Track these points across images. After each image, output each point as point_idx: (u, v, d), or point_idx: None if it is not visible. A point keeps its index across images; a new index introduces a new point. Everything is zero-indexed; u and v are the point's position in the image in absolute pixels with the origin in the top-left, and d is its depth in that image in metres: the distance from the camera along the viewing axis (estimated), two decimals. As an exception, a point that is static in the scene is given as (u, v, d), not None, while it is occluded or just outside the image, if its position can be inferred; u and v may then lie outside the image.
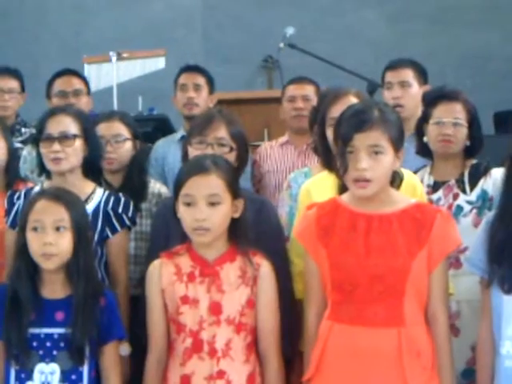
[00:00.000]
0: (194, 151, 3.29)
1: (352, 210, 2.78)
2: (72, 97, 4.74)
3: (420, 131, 3.67)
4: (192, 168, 2.94)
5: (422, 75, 4.48)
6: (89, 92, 4.93)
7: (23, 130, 4.93)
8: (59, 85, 4.80)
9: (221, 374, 2.83)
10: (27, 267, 2.88)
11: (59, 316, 2.87)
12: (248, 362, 2.88)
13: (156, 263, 2.96)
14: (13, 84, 5.02)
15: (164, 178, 4.41)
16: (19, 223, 2.98)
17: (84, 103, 4.72)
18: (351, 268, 2.71)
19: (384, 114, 2.76)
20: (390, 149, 2.71)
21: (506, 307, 2.68)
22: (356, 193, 2.74)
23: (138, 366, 3.03)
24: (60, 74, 4.88)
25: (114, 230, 3.32)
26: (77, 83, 4.84)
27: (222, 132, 3.31)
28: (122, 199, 3.37)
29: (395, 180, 2.84)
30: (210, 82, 4.94)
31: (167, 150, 4.69)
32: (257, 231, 3.01)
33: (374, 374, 2.68)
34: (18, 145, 4.44)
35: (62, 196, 2.93)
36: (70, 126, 3.33)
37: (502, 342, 2.68)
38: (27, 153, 4.31)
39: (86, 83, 4.95)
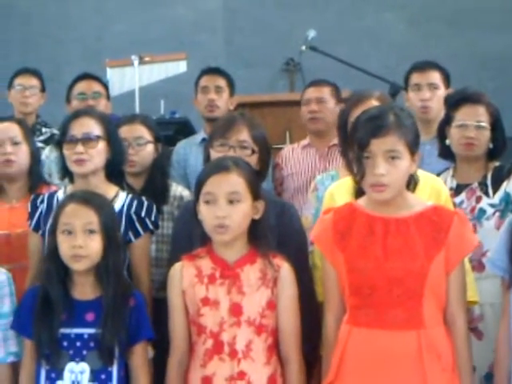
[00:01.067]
0: (215, 154, 3.30)
1: (369, 213, 2.80)
2: (91, 100, 4.77)
3: (442, 134, 3.67)
4: (213, 167, 2.97)
5: (447, 78, 4.49)
6: (108, 96, 4.97)
7: (44, 129, 5.00)
8: (79, 88, 4.85)
9: (242, 375, 2.84)
10: (58, 269, 2.92)
11: (89, 317, 2.91)
12: (269, 364, 2.90)
13: (177, 266, 2.98)
14: (33, 82, 5.10)
15: (186, 180, 4.43)
16: (50, 226, 3.00)
17: (103, 106, 4.75)
18: (369, 272, 2.73)
19: (400, 118, 2.77)
20: (406, 153, 2.73)
21: None
22: (373, 197, 2.76)
23: (161, 368, 3.03)
24: (80, 78, 4.93)
25: (137, 234, 3.32)
26: (96, 87, 4.89)
27: (244, 135, 3.31)
28: (145, 203, 3.36)
29: (410, 183, 2.86)
30: (231, 85, 4.96)
31: (188, 152, 4.72)
32: (279, 234, 3.03)
33: (395, 377, 2.70)
34: (40, 144, 4.48)
35: (91, 199, 2.97)
36: (94, 127, 3.33)
37: (524, 344, 2.70)
38: (45, 156, 4.34)
39: (106, 87, 4.99)
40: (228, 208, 2.85)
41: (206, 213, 2.89)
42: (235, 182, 2.88)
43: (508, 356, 2.76)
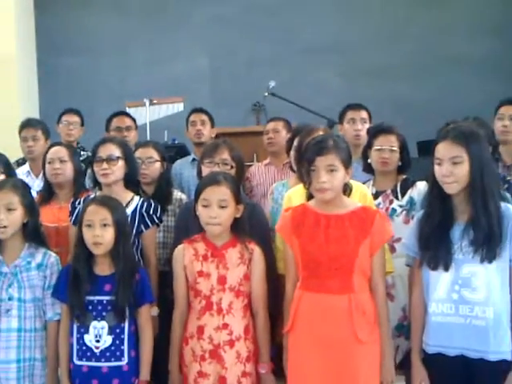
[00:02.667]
0: (205, 169, 3.32)
1: (316, 211, 2.80)
2: (125, 131, 4.69)
3: (365, 155, 3.67)
4: (208, 180, 2.97)
5: (369, 115, 4.50)
6: (136, 127, 4.90)
7: (82, 152, 4.90)
8: (115, 122, 4.76)
9: (225, 325, 2.86)
10: (84, 253, 2.89)
11: (107, 287, 2.88)
12: (245, 318, 2.91)
13: (180, 247, 2.98)
14: (75, 119, 5.03)
15: (181, 187, 4.37)
16: (78, 221, 2.97)
17: (133, 136, 4.69)
18: (315, 252, 2.74)
19: (337, 142, 2.78)
20: (341, 167, 2.74)
21: (431, 279, 2.69)
22: (319, 198, 2.77)
23: (165, 322, 3.03)
24: (116, 114, 4.86)
25: (146, 226, 3.28)
26: (128, 121, 4.80)
27: (225, 155, 3.34)
28: (153, 204, 3.32)
29: (346, 190, 2.86)
30: (212, 120, 4.92)
31: (183, 168, 4.66)
32: (250, 225, 3.02)
33: (333, 327, 2.70)
34: (79, 163, 4.42)
35: (106, 201, 2.95)
36: (115, 150, 3.30)
37: (430, 303, 2.69)
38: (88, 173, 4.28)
39: (134, 121, 4.91)
40: (219, 211, 2.87)
41: (202, 213, 2.89)
42: (224, 192, 2.89)
43: (421, 315, 2.75)
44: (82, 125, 5.07)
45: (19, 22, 6.60)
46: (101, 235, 2.84)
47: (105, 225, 2.86)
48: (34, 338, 2.93)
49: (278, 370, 2.94)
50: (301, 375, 2.75)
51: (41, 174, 4.27)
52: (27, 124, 4.52)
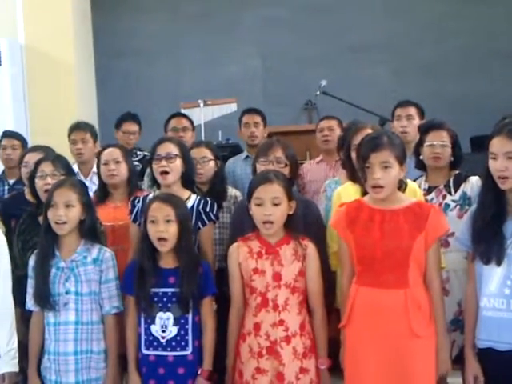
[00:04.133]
0: (260, 167, 3.33)
1: (371, 206, 2.77)
2: (181, 132, 4.71)
3: (417, 152, 3.63)
4: (261, 179, 2.96)
5: (421, 112, 4.43)
6: (193, 128, 4.92)
7: (138, 152, 4.97)
8: (173, 123, 4.78)
9: (281, 322, 2.85)
10: (148, 248, 2.93)
11: (171, 280, 2.91)
12: (300, 314, 2.89)
13: (235, 245, 2.99)
14: (134, 128, 5.09)
15: (234, 185, 4.36)
16: (143, 218, 3.01)
17: (189, 137, 4.70)
18: (370, 247, 2.70)
19: (391, 139, 2.74)
20: (396, 164, 2.70)
21: (484, 274, 2.65)
22: (373, 196, 2.74)
23: (221, 317, 3.03)
24: (174, 116, 4.88)
25: (203, 223, 3.28)
26: (185, 122, 4.81)
27: (279, 153, 3.33)
28: (209, 201, 3.33)
29: (401, 186, 2.82)
30: (264, 120, 4.88)
31: (236, 165, 4.67)
32: (304, 223, 3.01)
33: (389, 322, 2.67)
34: (135, 163, 4.46)
35: (169, 199, 2.99)
36: (173, 149, 3.31)
37: (482, 298, 2.65)
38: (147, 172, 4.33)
39: (192, 122, 4.93)
40: (272, 208, 2.85)
41: (256, 212, 2.89)
42: (277, 190, 2.88)
43: (474, 308, 2.70)
44: (140, 130, 5.13)
45: (77, 27, 6.70)
46: (165, 231, 2.87)
47: (168, 221, 2.89)
48: (91, 330, 2.97)
49: (333, 366, 2.93)
50: (357, 370, 2.72)
51: (90, 176, 4.35)
52: (76, 127, 4.55)
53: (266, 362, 2.84)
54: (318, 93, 6.21)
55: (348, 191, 3.28)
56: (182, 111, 5.72)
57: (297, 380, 2.83)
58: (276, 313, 2.85)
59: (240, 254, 2.93)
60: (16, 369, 2.96)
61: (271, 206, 2.85)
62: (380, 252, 2.68)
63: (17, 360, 2.96)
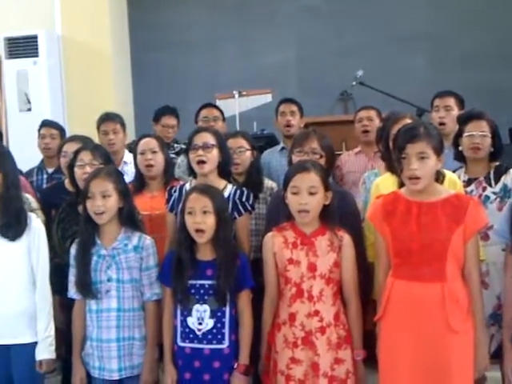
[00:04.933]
0: (295, 158, 3.30)
1: (408, 199, 2.74)
2: (212, 121, 4.75)
3: (456, 143, 3.58)
4: (297, 168, 2.96)
5: (461, 102, 4.37)
6: (223, 119, 4.94)
7: (175, 145, 5.00)
8: (204, 113, 4.84)
9: (316, 312, 2.84)
10: (186, 239, 2.92)
11: (209, 272, 2.90)
12: (335, 305, 2.88)
13: (269, 235, 2.98)
14: (173, 121, 5.12)
15: (270, 176, 4.35)
16: (180, 209, 3.01)
17: (219, 126, 4.70)
18: (407, 240, 2.68)
19: (428, 129, 2.71)
20: (432, 154, 2.67)
21: None
22: (410, 187, 2.70)
23: (257, 309, 3.01)
24: (205, 106, 4.94)
25: (239, 213, 3.28)
26: (215, 112, 4.86)
27: (315, 144, 3.30)
28: (245, 192, 3.33)
29: (439, 177, 2.79)
30: (301, 110, 4.86)
31: (271, 157, 4.66)
32: (341, 214, 2.98)
33: (426, 316, 2.65)
34: (172, 155, 4.48)
35: (207, 190, 2.97)
36: (210, 139, 3.32)
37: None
38: (181, 161, 4.36)
39: (222, 113, 4.96)
40: (308, 197, 2.84)
41: (292, 200, 2.88)
42: (313, 178, 2.86)
43: None
44: (179, 123, 5.16)
45: (113, 20, 6.76)
46: (202, 222, 2.86)
47: (206, 212, 2.88)
48: (133, 317, 2.99)
49: (368, 358, 2.92)
50: (393, 363, 2.70)
51: (120, 166, 4.38)
52: (106, 118, 4.57)
53: (301, 353, 2.83)
54: (355, 83, 6.17)
55: (387, 183, 3.25)
56: (217, 102, 5.75)
57: (332, 370, 2.83)
58: (311, 303, 2.84)
59: (275, 244, 2.93)
60: (53, 356, 3.03)
61: (307, 195, 2.84)
62: (417, 245, 2.66)
63: (54, 347, 3.03)
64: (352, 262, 2.91)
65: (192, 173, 3.43)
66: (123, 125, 4.59)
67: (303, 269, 2.86)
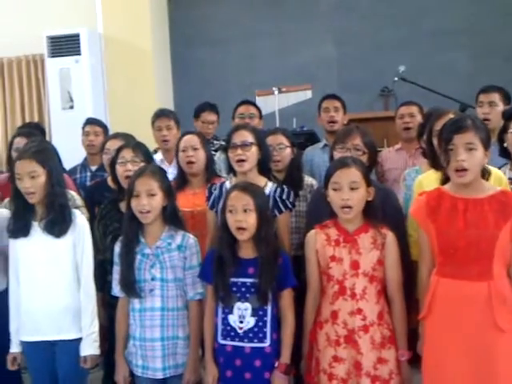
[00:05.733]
0: (337, 154, 3.30)
1: (453, 195, 2.69)
2: (248, 118, 4.76)
3: (501, 139, 3.51)
4: (338, 164, 2.94)
5: (506, 98, 4.28)
6: (260, 116, 4.94)
7: (215, 142, 5.01)
8: (240, 110, 4.86)
9: (359, 310, 2.82)
10: (228, 237, 2.91)
11: (250, 270, 2.88)
12: (378, 303, 2.86)
13: (312, 232, 2.96)
14: (213, 117, 5.13)
15: (312, 173, 4.35)
16: (222, 207, 3.00)
17: (256, 124, 4.70)
18: (452, 237, 2.63)
19: (475, 121, 2.66)
20: (480, 146, 2.62)
21: None
22: (456, 180, 2.65)
23: (298, 307, 2.98)
24: (242, 103, 4.95)
25: (280, 211, 3.26)
26: (252, 109, 4.87)
27: (357, 140, 3.30)
28: (286, 189, 3.31)
29: (485, 174, 2.73)
30: (344, 106, 4.83)
31: (314, 154, 4.63)
32: (383, 211, 2.95)
33: (472, 315, 2.60)
34: (212, 152, 4.50)
35: (248, 187, 2.95)
36: (248, 137, 3.32)
37: None
38: (217, 158, 4.37)
39: (259, 110, 4.96)
40: (350, 193, 2.82)
41: (333, 197, 2.86)
42: (354, 174, 2.84)
43: None
44: (218, 119, 5.17)
45: (153, 17, 6.82)
46: (244, 220, 2.85)
47: (247, 210, 2.86)
48: (177, 316, 2.99)
49: (413, 358, 2.88)
50: (437, 363, 2.66)
51: (174, 162, 4.40)
52: (161, 114, 4.61)
53: (344, 351, 2.82)
54: (396, 79, 6.11)
55: (430, 180, 3.20)
56: (257, 99, 5.76)
57: (375, 370, 2.81)
58: (354, 301, 2.82)
59: (317, 241, 2.91)
60: (97, 351, 3.06)
61: (349, 191, 2.83)
62: (463, 242, 2.61)
63: (98, 343, 3.05)
64: (396, 260, 2.88)
65: (232, 170, 3.43)
66: (177, 121, 4.61)
67: (346, 266, 2.84)
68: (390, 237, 2.87)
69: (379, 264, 2.85)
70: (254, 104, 5.04)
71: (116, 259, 3.06)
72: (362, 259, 2.84)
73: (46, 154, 3.09)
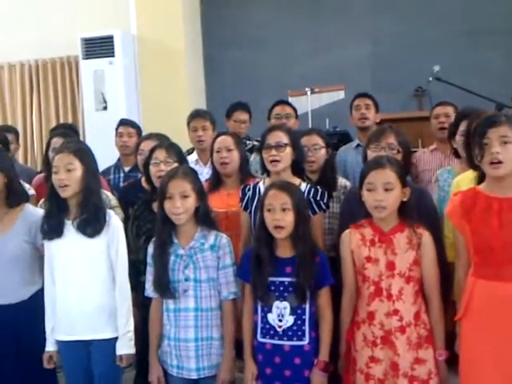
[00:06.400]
0: (371, 153, 3.28)
1: (488, 195, 2.66)
2: (284, 119, 4.75)
3: None
4: (372, 164, 2.93)
5: None
6: (296, 116, 4.94)
7: (248, 142, 5.01)
8: (276, 110, 4.85)
9: (396, 311, 2.81)
10: (265, 236, 2.92)
11: (288, 269, 2.89)
12: (415, 304, 2.84)
13: (347, 232, 2.96)
14: (245, 117, 5.15)
15: (345, 174, 4.34)
16: (259, 206, 3.01)
17: (292, 124, 4.70)
18: (488, 237, 2.61)
19: (509, 117, 2.65)
20: None
21: None
22: (491, 173, 2.62)
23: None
24: (278, 103, 4.94)
25: (313, 212, 3.25)
26: (288, 109, 4.86)
27: (391, 139, 3.28)
28: (319, 190, 3.31)
29: None
30: (376, 104, 4.82)
31: (347, 154, 4.63)
32: (418, 212, 2.92)
33: (508, 316, 2.56)
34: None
35: (286, 186, 2.96)
36: (283, 137, 3.32)
37: None
38: (253, 158, 4.37)
39: (295, 110, 4.95)
40: (384, 194, 2.81)
41: (367, 197, 2.85)
42: (389, 175, 2.83)
43: None
44: (250, 119, 5.18)
45: (186, 18, 6.86)
46: (281, 219, 2.85)
47: (284, 209, 2.86)
48: (211, 317, 2.99)
49: (449, 360, 2.86)
50: (475, 364, 2.64)
51: (209, 163, 4.40)
52: (197, 115, 4.64)
53: (380, 352, 2.81)
54: (431, 78, 6.06)
55: (467, 180, 3.18)
56: (290, 99, 5.75)
57: (412, 370, 2.80)
58: (390, 302, 2.81)
59: (352, 241, 2.91)
60: (133, 351, 3.08)
61: (383, 192, 2.81)
62: (499, 242, 2.59)
63: (133, 342, 3.07)
64: (433, 260, 2.86)
65: (265, 171, 3.43)
66: (213, 122, 4.63)
67: (381, 267, 2.83)
68: (426, 236, 2.86)
69: (415, 264, 2.83)
70: (289, 104, 5.03)
71: (149, 260, 3.07)
72: (398, 260, 2.82)
73: (83, 152, 3.13)
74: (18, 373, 3.13)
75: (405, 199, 2.86)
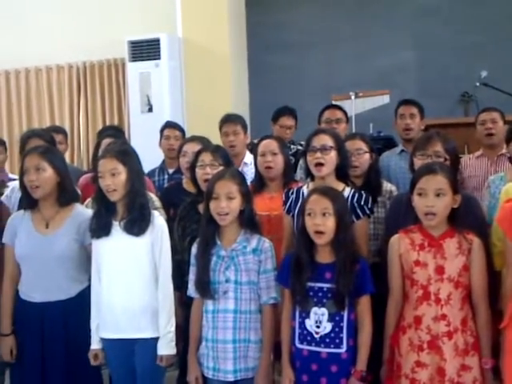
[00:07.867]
0: (417, 161, 3.24)
1: None
2: (334, 123, 4.69)
3: None
4: (424, 170, 2.91)
5: None
6: (347, 120, 4.88)
7: (292, 146, 4.99)
8: (326, 114, 4.78)
9: (443, 316, 2.78)
10: (306, 241, 2.92)
11: (328, 275, 2.88)
12: (462, 310, 2.81)
13: (396, 236, 2.94)
14: (291, 122, 5.13)
15: (389, 179, 4.27)
16: (301, 210, 3.01)
17: (342, 128, 4.65)
18: None
19: None
20: None
21: None
22: None
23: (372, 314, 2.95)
24: (328, 107, 4.88)
25: (357, 217, 3.22)
26: (338, 114, 4.79)
27: (438, 147, 3.24)
28: (364, 195, 3.28)
29: None
30: (422, 111, 4.72)
31: (390, 159, 4.57)
32: (466, 218, 2.90)
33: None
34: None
35: (328, 192, 2.95)
36: (328, 141, 3.30)
37: None
38: (302, 162, 4.34)
39: (345, 114, 4.89)
40: (435, 200, 2.79)
41: (418, 203, 2.84)
42: (440, 181, 2.81)
43: None
44: (296, 125, 5.15)
45: (232, 22, 6.88)
46: (322, 224, 2.84)
47: (325, 214, 2.85)
48: (249, 319, 2.99)
49: (493, 369, 2.82)
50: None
51: (240, 167, 4.40)
52: (227, 119, 4.63)
53: (427, 357, 2.79)
54: (478, 84, 5.98)
55: None
56: (333, 103, 5.70)
57: (458, 377, 2.77)
58: (438, 307, 2.79)
59: (401, 246, 2.89)
60: (173, 351, 3.11)
61: (434, 197, 2.80)
62: None
63: (174, 343, 3.10)
64: (482, 266, 2.83)
65: (309, 175, 3.42)
66: (244, 126, 4.63)
67: (430, 271, 2.82)
68: (477, 242, 2.83)
69: (465, 270, 2.81)
70: (340, 108, 4.96)
71: (192, 260, 3.10)
72: (447, 264, 2.80)
73: (126, 154, 3.18)
74: (67, 368, 3.18)
75: (455, 206, 2.84)
